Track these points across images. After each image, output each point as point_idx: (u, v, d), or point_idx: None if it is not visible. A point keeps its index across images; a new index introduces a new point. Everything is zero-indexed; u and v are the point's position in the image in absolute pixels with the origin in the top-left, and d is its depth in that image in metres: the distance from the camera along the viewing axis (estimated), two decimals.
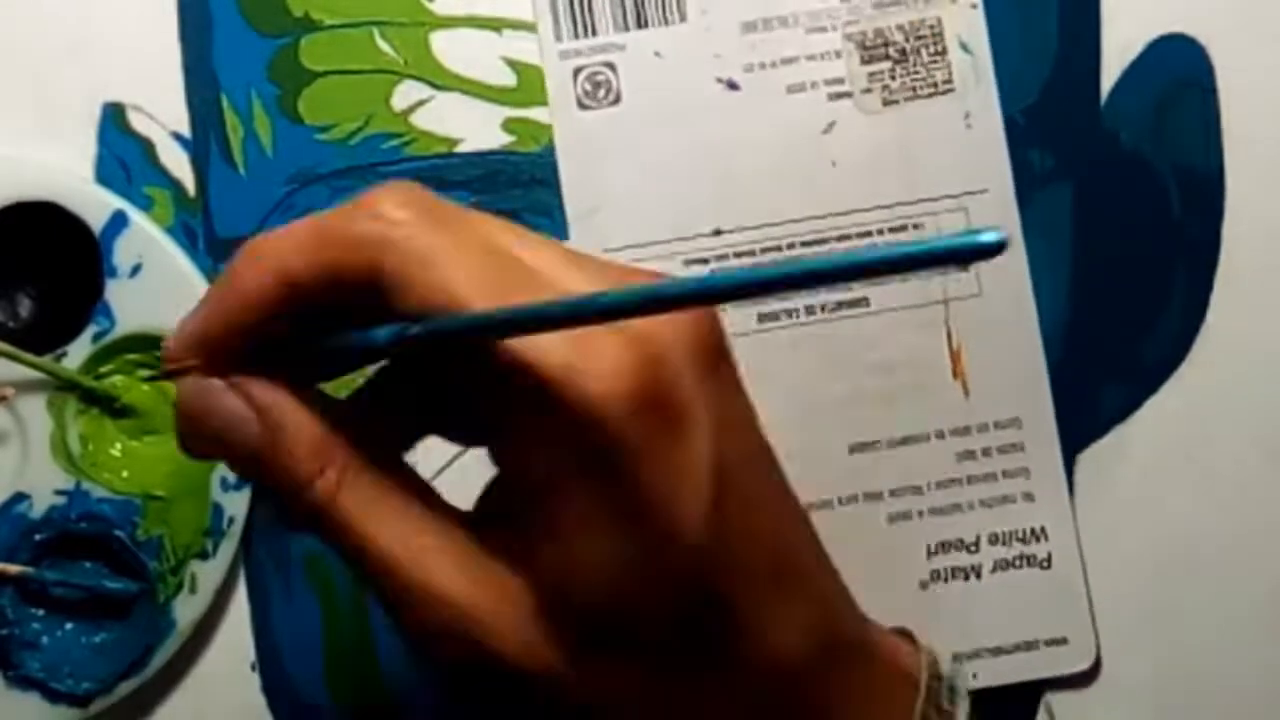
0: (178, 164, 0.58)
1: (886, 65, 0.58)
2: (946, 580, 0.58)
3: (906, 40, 0.58)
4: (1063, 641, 0.58)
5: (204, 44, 0.58)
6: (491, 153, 0.59)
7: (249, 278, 0.40)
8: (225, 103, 0.58)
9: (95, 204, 0.57)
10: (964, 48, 0.59)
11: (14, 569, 0.56)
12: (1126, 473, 0.59)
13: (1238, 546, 0.58)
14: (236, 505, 0.57)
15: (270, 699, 0.58)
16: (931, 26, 0.59)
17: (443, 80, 0.59)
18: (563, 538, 0.40)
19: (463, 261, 0.39)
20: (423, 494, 0.42)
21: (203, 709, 0.58)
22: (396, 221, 0.39)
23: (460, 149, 0.59)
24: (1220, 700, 0.58)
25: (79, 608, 0.57)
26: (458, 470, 0.56)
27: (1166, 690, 0.58)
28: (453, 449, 0.52)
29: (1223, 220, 0.59)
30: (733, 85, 0.59)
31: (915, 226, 0.58)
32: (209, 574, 0.57)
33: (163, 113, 0.58)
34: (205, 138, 0.58)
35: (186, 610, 0.57)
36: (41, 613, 0.57)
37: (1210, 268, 0.59)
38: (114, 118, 0.58)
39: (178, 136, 0.58)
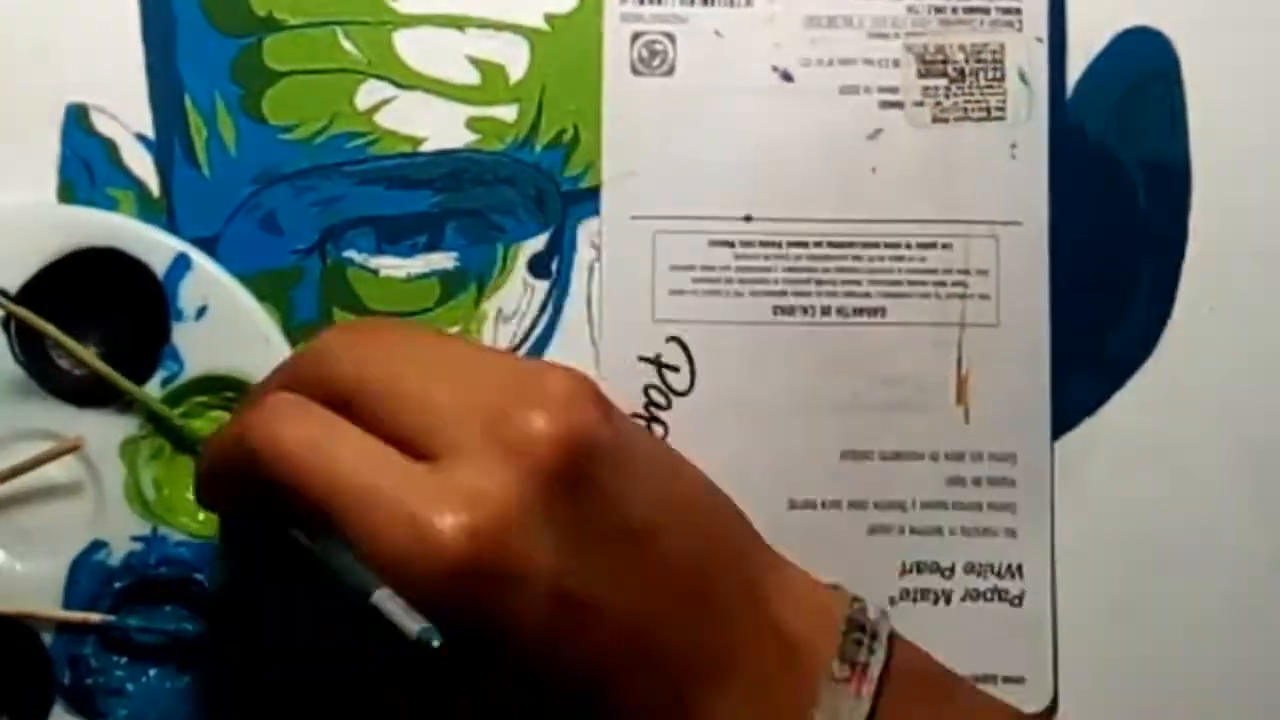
0: (141, 165, 0.58)
1: (943, 82, 0.58)
2: (915, 600, 0.57)
3: (966, 61, 0.58)
4: (1020, 680, 0.57)
5: (167, 44, 0.58)
6: (456, 151, 0.58)
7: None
8: (189, 103, 0.58)
9: (157, 247, 0.56)
10: (1022, 78, 0.58)
11: (95, 618, 0.56)
12: (1095, 465, 0.59)
13: (1207, 539, 0.59)
14: None
15: None
16: (994, 52, 0.58)
17: (406, 79, 0.58)
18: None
19: (327, 479, 0.45)
20: None
21: None
22: (266, 448, 0.46)
23: (424, 148, 0.58)
24: (1191, 692, 0.58)
25: (163, 653, 0.56)
26: None
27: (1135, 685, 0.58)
28: None
29: (1189, 212, 0.59)
30: (787, 76, 0.58)
31: (944, 246, 0.58)
32: None
33: (126, 113, 0.58)
34: (169, 138, 0.58)
35: None
36: (125, 660, 0.56)
37: (1177, 260, 0.59)
38: (77, 119, 0.58)
39: (141, 137, 0.58)
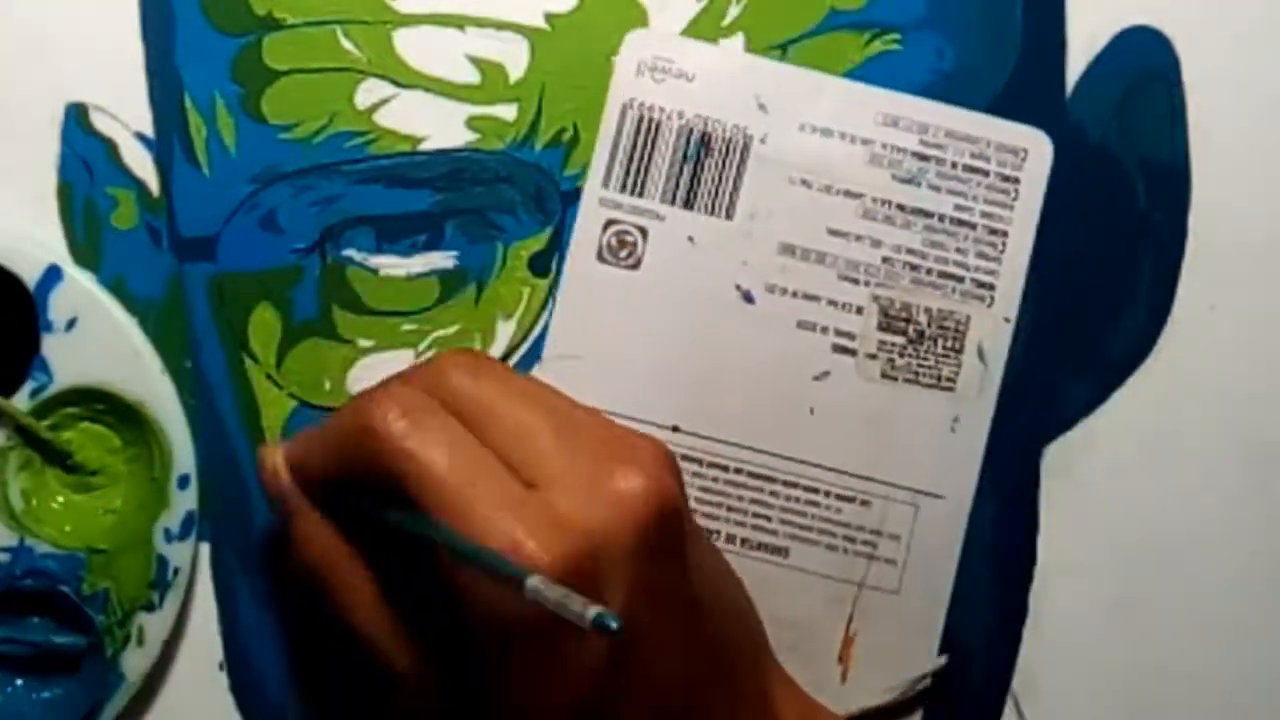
0: (141, 164, 0.58)
1: (901, 340, 0.57)
2: None
3: (929, 324, 0.57)
4: None
5: (166, 43, 0.58)
6: (455, 150, 0.58)
7: (313, 462, 0.53)
8: (188, 102, 0.58)
9: (28, 258, 0.56)
10: (981, 355, 0.57)
11: None
12: (1093, 466, 0.59)
13: (1207, 537, 0.59)
14: (181, 556, 0.57)
15: (238, 697, 0.59)
16: (959, 322, 0.57)
17: (406, 78, 0.58)
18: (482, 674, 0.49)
19: (439, 475, 0.48)
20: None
21: (171, 708, 0.59)
22: (379, 434, 0.49)
23: (424, 147, 0.58)
24: (1187, 694, 0.59)
25: (27, 664, 0.57)
26: None
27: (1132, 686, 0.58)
28: None
29: (1188, 212, 0.59)
30: (749, 297, 0.58)
31: (863, 503, 0.57)
32: (156, 626, 0.57)
33: (126, 113, 0.58)
34: (168, 138, 0.58)
35: (135, 662, 0.57)
36: None
37: (1176, 260, 0.59)
38: (77, 118, 0.58)
39: (141, 137, 0.58)
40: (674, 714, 0.51)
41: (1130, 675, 0.58)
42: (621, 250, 0.58)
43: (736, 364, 0.58)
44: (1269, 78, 0.59)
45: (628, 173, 0.58)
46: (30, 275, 0.56)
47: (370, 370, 0.58)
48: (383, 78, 0.58)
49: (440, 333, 0.58)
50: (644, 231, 0.58)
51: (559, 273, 0.58)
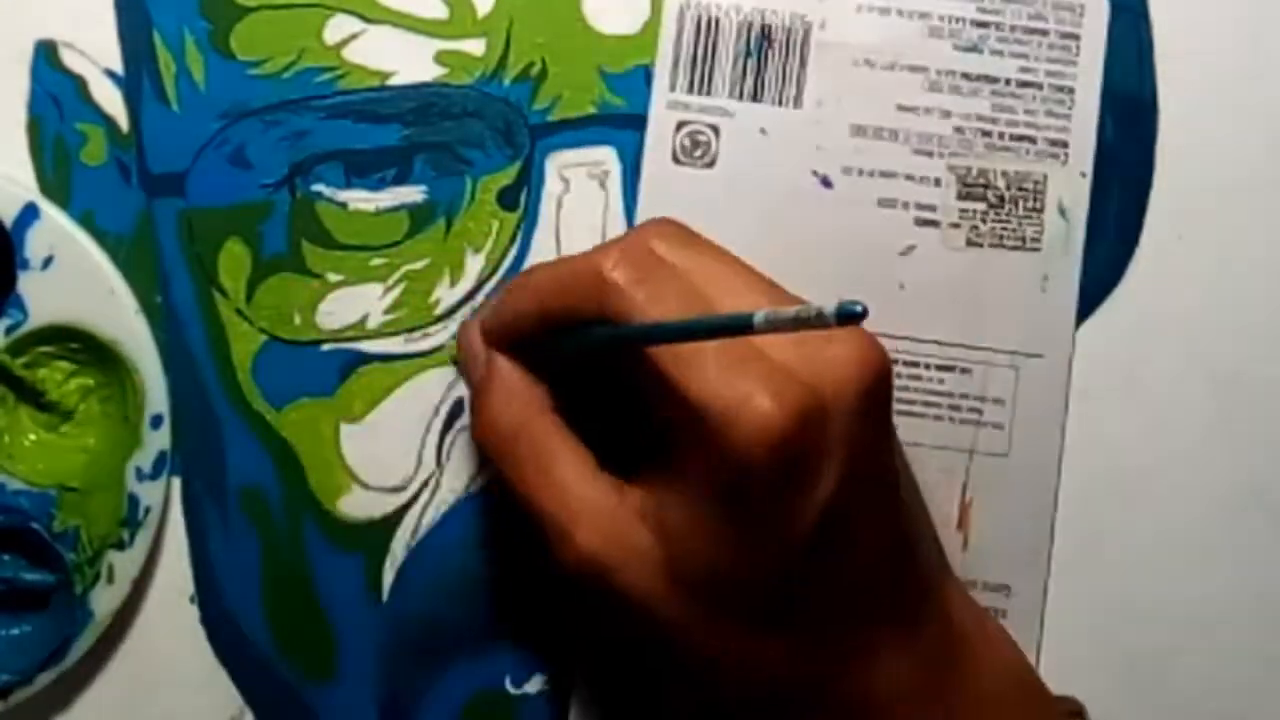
0: (111, 100, 0.58)
1: (981, 206, 0.58)
2: None
3: (1008, 188, 0.58)
4: None
5: None
6: (424, 85, 0.58)
7: (520, 304, 0.54)
8: (157, 39, 0.58)
9: (6, 196, 0.56)
10: (1062, 212, 0.58)
11: None
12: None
13: (1174, 468, 0.59)
14: (152, 495, 0.57)
15: (209, 630, 0.58)
16: (1036, 182, 0.58)
17: (374, 13, 0.58)
18: (695, 528, 0.49)
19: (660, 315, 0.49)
20: (581, 460, 0.52)
21: (142, 641, 0.58)
22: (612, 285, 0.50)
23: (393, 82, 0.58)
24: (1156, 625, 0.59)
25: None
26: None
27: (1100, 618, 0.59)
28: None
29: (1155, 144, 0.60)
30: (827, 182, 0.58)
31: (964, 370, 0.58)
32: (126, 564, 0.57)
33: (95, 49, 0.58)
34: (138, 74, 0.58)
35: (104, 600, 0.57)
36: None
37: (1143, 192, 0.60)
38: (46, 55, 0.58)
39: (110, 73, 0.58)
40: (867, 595, 0.51)
41: (1099, 607, 0.59)
42: (695, 150, 0.58)
43: (822, 249, 0.58)
44: (1235, 9, 0.60)
45: (693, 73, 0.58)
46: (8, 213, 0.56)
47: (340, 304, 0.58)
48: (351, 13, 0.58)
49: (409, 266, 0.58)
50: (715, 129, 0.58)
51: (528, 206, 0.58)
